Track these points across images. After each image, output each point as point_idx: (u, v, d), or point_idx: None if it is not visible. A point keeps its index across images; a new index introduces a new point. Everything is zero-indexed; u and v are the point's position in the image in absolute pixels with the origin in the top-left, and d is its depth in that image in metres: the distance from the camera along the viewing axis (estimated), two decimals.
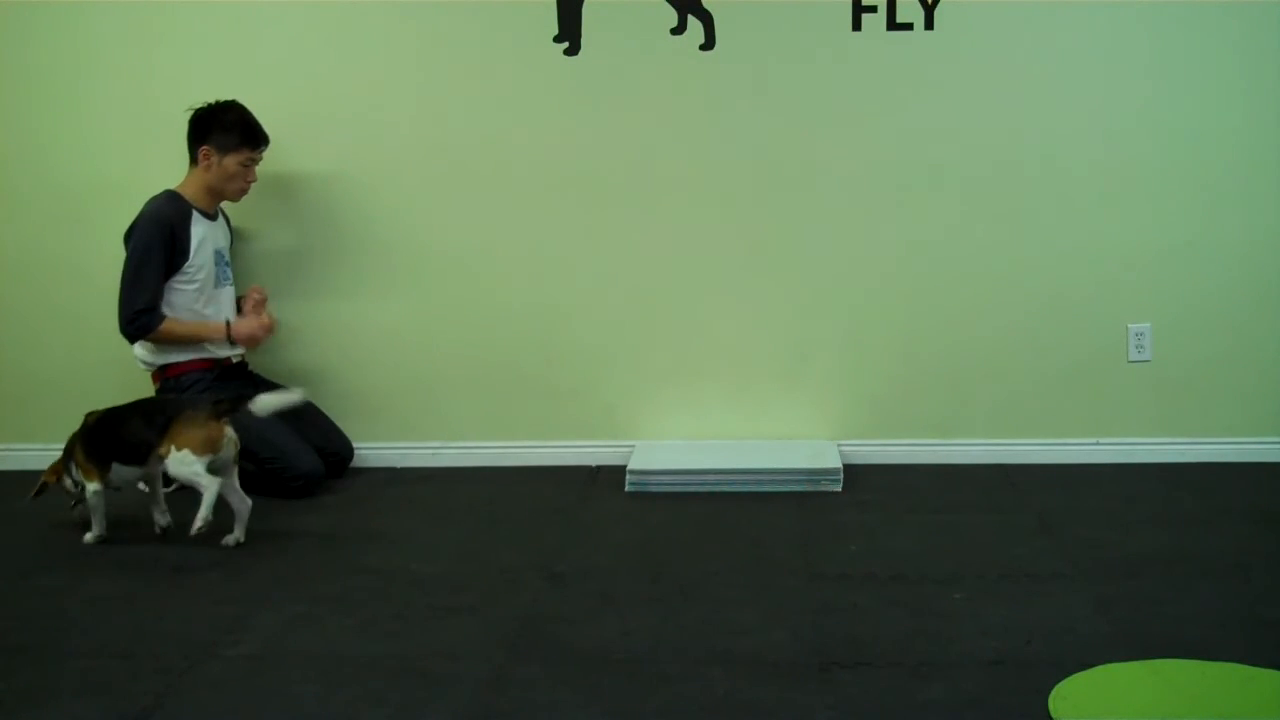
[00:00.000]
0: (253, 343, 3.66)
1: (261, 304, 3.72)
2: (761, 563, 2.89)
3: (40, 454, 3.85)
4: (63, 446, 3.16)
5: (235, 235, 3.79)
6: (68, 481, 3.15)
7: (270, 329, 3.67)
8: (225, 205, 3.71)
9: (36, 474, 3.22)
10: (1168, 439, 3.76)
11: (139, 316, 3.49)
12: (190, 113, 3.57)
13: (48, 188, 3.84)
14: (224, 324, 3.59)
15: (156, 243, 3.47)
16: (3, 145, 3.84)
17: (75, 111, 3.80)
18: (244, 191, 3.64)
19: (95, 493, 3.09)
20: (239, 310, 3.71)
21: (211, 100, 3.57)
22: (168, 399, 3.34)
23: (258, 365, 3.80)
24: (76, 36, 3.77)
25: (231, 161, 3.56)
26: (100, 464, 3.08)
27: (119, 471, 3.09)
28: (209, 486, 2.98)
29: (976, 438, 3.79)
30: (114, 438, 3.09)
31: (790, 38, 3.67)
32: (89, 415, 3.16)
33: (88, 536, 3.12)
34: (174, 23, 3.75)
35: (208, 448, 3.01)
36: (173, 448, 3.00)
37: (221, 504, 3.01)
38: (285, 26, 3.74)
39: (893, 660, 2.30)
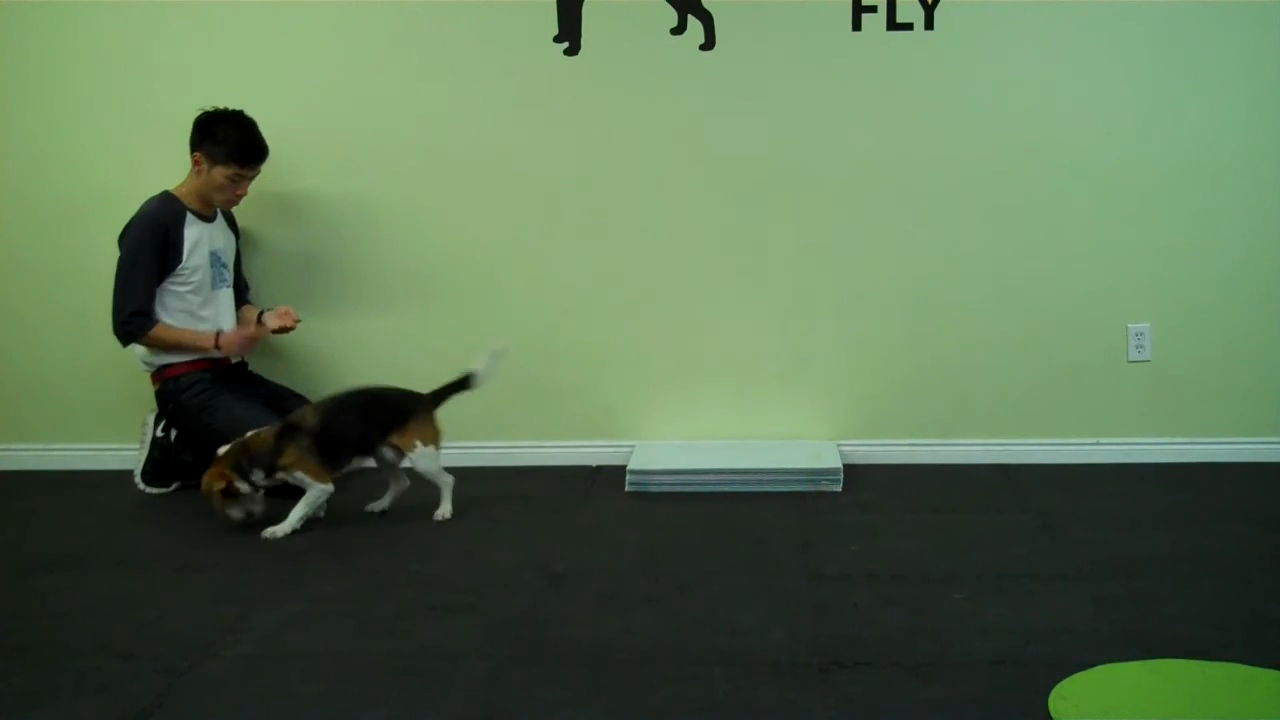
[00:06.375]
0: (243, 351, 3.61)
1: (287, 315, 3.64)
2: (761, 563, 2.89)
3: (40, 454, 3.87)
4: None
5: (241, 240, 3.78)
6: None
7: (258, 338, 3.61)
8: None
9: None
10: (1168, 439, 3.76)
11: (131, 319, 3.47)
12: (199, 113, 3.55)
13: (47, 189, 3.84)
14: (213, 334, 3.56)
15: (148, 245, 3.46)
16: (2, 147, 3.84)
17: (74, 114, 3.80)
18: (232, 203, 3.62)
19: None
20: (259, 318, 3.66)
21: (219, 106, 3.52)
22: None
23: (259, 366, 3.79)
24: (75, 38, 3.77)
25: (219, 173, 3.51)
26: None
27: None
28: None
29: (977, 438, 3.79)
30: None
31: (790, 38, 3.67)
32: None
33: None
34: (174, 25, 3.74)
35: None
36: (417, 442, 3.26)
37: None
38: (285, 28, 3.74)
39: (893, 660, 2.30)
